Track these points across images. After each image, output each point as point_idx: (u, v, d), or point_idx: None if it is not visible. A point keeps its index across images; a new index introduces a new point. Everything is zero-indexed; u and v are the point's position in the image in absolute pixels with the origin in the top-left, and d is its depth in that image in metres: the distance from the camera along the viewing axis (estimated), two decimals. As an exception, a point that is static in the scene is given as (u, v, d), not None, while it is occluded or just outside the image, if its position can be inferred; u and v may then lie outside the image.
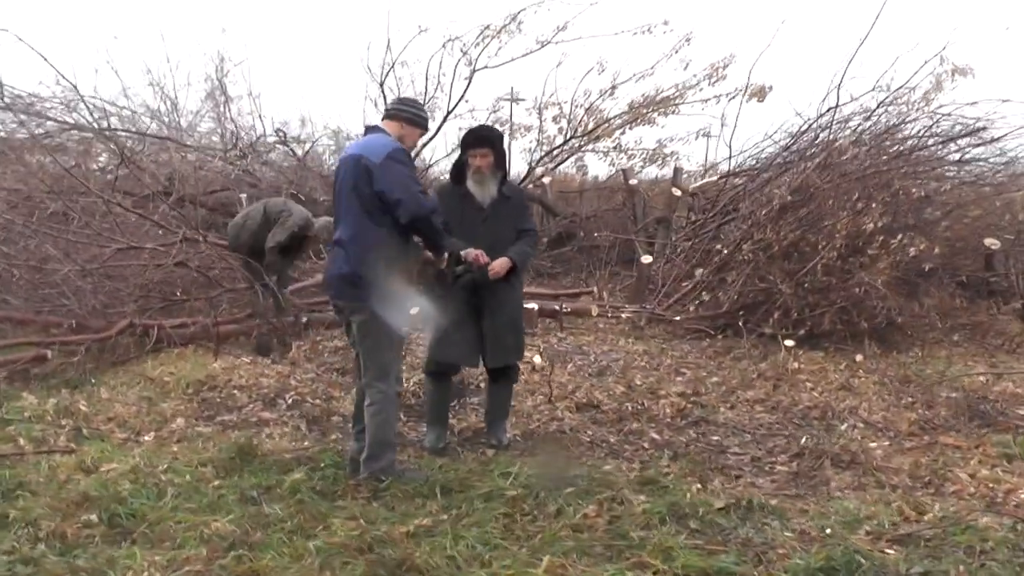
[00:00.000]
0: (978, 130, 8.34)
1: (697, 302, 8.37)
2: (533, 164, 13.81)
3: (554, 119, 13.71)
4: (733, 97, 13.87)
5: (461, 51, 12.72)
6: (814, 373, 6.70)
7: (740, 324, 7.59)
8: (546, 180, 13.56)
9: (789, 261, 7.88)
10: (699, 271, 9.38)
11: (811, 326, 7.44)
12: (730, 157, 10.32)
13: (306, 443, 5.14)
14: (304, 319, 7.91)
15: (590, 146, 14.49)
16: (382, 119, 4.40)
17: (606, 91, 13.89)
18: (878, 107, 8.68)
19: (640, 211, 12.45)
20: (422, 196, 4.13)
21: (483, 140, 4.85)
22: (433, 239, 4.31)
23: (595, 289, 9.77)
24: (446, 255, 4.51)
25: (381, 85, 11.89)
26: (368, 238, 4.08)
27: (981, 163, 8.81)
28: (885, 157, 8.11)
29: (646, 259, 9.58)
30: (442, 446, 4.95)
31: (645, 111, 14.03)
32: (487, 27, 12.62)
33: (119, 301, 7.36)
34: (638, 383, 6.43)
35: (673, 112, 14.26)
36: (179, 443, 5.10)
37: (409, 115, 4.33)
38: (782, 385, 6.38)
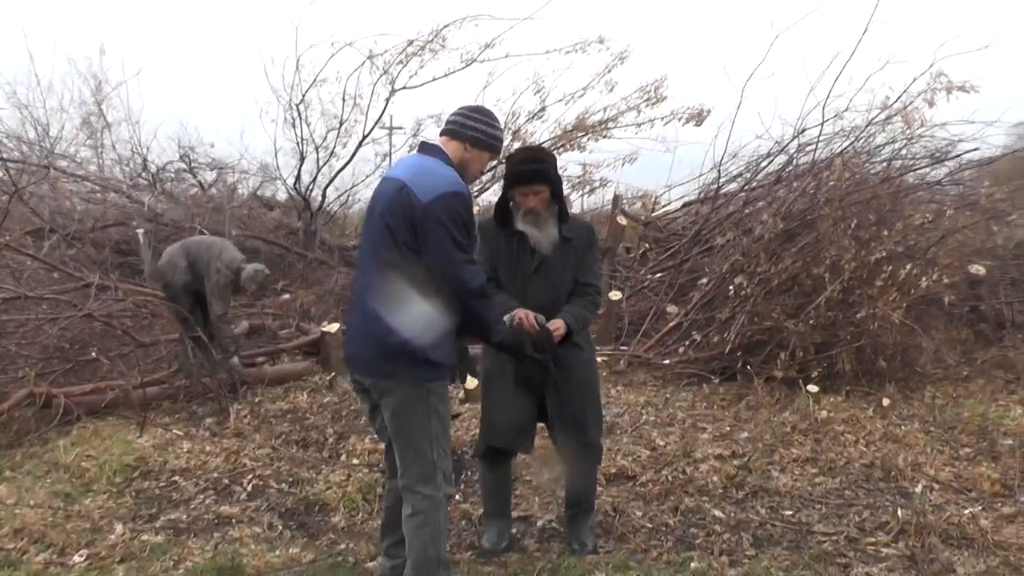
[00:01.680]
0: (970, 151, 8.02)
1: (686, 343, 7.61)
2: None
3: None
4: (669, 121, 13.50)
5: (383, 70, 11.76)
6: (847, 422, 6.01)
7: (748, 368, 6.86)
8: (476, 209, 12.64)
9: (789, 296, 7.24)
10: (672, 308, 8.70)
11: (826, 367, 6.78)
12: (718, 175, 9.58)
13: (295, 550, 4.03)
14: (243, 379, 6.71)
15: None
16: (441, 134, 3.34)
17: (535, 113, 13.23)
18: (868, 125, 8.22)
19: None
20: (468, 271, 3.04)
21: (535, 175, 3.65)
22: (474, 329, 3.22)
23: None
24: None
25: (296, 107, 10.75)
26: (406, 293, 3.05)
27: (967, 184, 8.52)
28: (881, 181, 7.62)
29: (615, 295, 8.78)
30: (505, 545, 3.96)
31: (577, 135, 13.41)
32: (410, 43, 11.70)
33: (10, 365, 5.96)
34: (660, 443, 5.58)
35: (605, 136, 13.71)
36: (124, 563, 3.93)
37: (479, 135, 3.27)
38: (822, 439, 5.66)
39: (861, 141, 8.39)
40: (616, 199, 12.02)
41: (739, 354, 7.20)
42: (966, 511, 4.47)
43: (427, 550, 3.19)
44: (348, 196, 12.75)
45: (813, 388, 6.43)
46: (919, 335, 6.88)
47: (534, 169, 3.68)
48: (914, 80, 7.96)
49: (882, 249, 6.77)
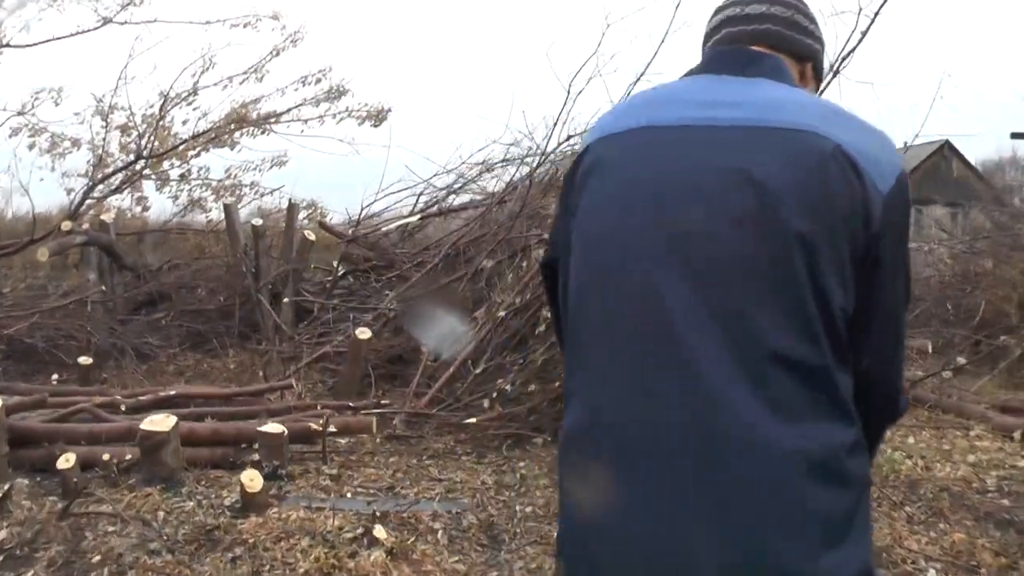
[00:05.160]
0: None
1: (493, 394, 6.18)
2: (87, 191, 10.04)
3: (122, 130, 10.11)
4: (342, 119, 12.04)
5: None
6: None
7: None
8: (109, 217, 9.83)
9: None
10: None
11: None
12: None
13: None
14: None
15: (155, 171, 11.16)
16: (751, 41, 1.54)
17: (184, 96, 10.79)
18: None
19: (265, 262, 9.56)
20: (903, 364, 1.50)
21: None
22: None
23: (293, 381, 6.91)
24: None
25: None
26: (833, 436, 1.29)
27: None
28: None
29: (363, 333, 7.05)
30: None
31: (233, 129, 11.23)
32: (23, -12, 8.69)
33: None
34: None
35: (264, 132, 11.72)
36: None
37: (821, 52, 1.62)
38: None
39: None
40: (292, 208, 10.16)
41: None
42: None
43: None
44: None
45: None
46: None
47: None
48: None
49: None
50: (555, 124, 7.76)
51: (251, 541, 4.08)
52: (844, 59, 9.65)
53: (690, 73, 1.54)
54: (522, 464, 5.55)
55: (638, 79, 7.37)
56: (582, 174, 1.48)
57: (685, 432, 1.27)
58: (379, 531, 4.10)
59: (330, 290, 9.34)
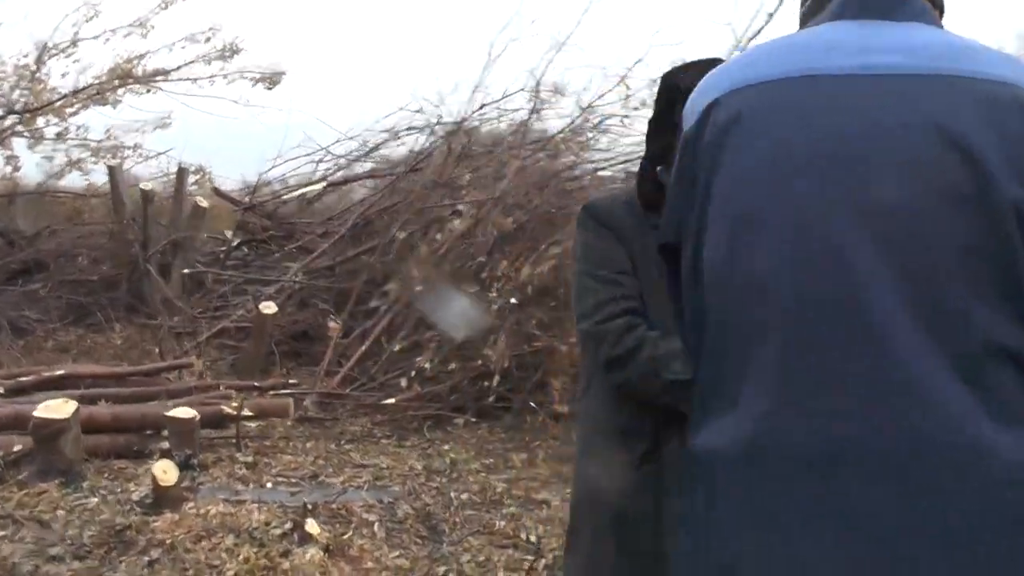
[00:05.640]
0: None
1: (412, 372, 5.90)
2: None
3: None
4: (234, 80, 11.34)
5: None
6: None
7: (531, 404, 5.51)
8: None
9: (543, 308, 6.03)
10: (334, 323, 6.90)
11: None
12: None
13: None
14: None
15: (28, 128, 10.24)
16: None
17: (63, 48, 9.91)
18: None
19: (154, 229, 8.88)
20: None
21: None
22: None
23: (195, 358, 6.43)
24: None
25: None
26: None
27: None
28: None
29: (268, 308, 6.63)
30: None
31: (119, 84, 10.42)
32: None
33: None
34: (533, 540, 3.96)
35: (151, 91, 10.93)
36: None
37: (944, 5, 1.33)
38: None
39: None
40: (181, 172, 9.52)
41: (489, 384, 5.78)
42: None
43: None
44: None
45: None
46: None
47: None
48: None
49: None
50: (474, 90, 7.44)
51: (169, 541, 3.71)
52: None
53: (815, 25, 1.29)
54: (447, 447, 5.33)
55: (560, 48, 7.19)
56: (715, 133, 1.19)
57: (893, 445, 1.04)
58: (312, 526, 3.80)
59: (224, 261, 8.80)
